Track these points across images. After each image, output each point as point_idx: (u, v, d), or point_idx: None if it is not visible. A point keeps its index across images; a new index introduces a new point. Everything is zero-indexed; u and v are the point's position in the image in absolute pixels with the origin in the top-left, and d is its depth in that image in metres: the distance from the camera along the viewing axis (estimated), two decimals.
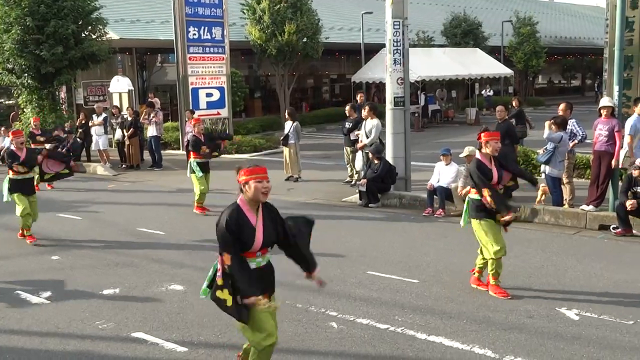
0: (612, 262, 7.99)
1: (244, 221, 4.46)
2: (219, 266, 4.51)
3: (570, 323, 6.05)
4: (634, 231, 9.24)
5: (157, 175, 16.62)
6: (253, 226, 4.48)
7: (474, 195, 6.88)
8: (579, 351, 5.43)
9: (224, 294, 4.49)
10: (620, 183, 9.71)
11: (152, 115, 17.86)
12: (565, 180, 10.52)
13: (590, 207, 9.98)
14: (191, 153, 11.62)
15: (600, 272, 7.62)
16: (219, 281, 4.51)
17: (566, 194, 10.50)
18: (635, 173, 9.18)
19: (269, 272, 4.72)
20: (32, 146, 13.80)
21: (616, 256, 8.32)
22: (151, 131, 17.74)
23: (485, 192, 6.63)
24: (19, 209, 9.50)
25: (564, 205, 10.38)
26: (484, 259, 6.98)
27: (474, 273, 7.18)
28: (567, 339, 5.69)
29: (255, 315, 4.46)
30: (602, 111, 9.96)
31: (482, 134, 6.91)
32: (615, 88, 9.79)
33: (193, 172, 11.43)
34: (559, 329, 5.90)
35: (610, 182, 9.95)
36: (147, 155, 18.20)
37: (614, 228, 9.42)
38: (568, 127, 10.57)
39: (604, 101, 10.04)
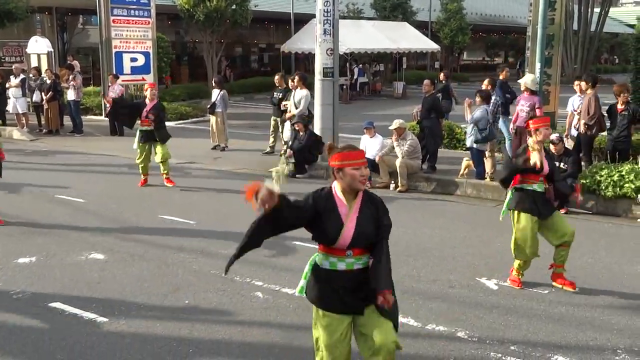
0: None
1: (332, 208, 3.74)
2: None
3: (489, 292, 6.25)
4: None
5: (78, 141, 16.03)
6: (341, 217, 3.73)
7: (517, 184, 6.29)
8: (497, 319, 5.61)
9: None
10: None
11: (70, 78, 17.15)
12: (487, 154, 10.79)
13: None
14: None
15: None
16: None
17: (488, 168, 10.78)
18: (552, 148, 9.51)
19: (361, 280, 3.78)
20: None
21: None
22: (70, 95, 17.06)
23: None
24: None
25: (486, 178, 10.67)
26: (561, 247, 6.29)
27: (555, 269, 6.41)
28: (486, 307, 5.87)
29: (327, 330, 3.82)
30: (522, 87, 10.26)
31: (531, 122, 6.30)
32: (537, 65, 10.09)
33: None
34: (479, 298, 6.08)
35: None
36: (67, 120, 17.51)
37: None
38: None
39: (528, 81, 10.27)
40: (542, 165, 6.10)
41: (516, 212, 6.24)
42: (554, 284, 6.36)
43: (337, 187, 3.83)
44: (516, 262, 6.41)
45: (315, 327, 3.94)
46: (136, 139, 10.76)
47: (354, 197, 3.80)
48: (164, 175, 10.77)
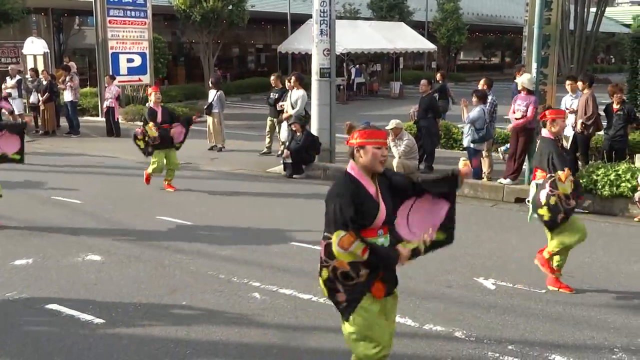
0: (527, 233, 8.28)
1: (363, 192, 3.73)
2: (322, 255, 3.77)
3: (487, 292, 6.25)
4: None
5: (74, 142, 16.02)
6: (374, 198, 3.75)
7: (542, 180, 6.18)
8: (494, 319, 5.61)
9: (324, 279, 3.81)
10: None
11: (67, 79, 17.13)
12: (484, 153, 10.81)
13: (508, 180, 10.30)
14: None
15: (516, 243, 7.90)
16: (325, 273, 3.77)
17: (485, 167, 10.80)
18: None
19: None
20: None
21: (531, 228, 8.62)
22: (67, 96, 17.04)
23: (566, 173, 5.93)
24: None
25: (483, 178, 10.68)
26: (560, 254, 6.25)
27: (553, 274, 6.33)
28: (484, 307, 5.87)
29: (370, 322, 3.84)
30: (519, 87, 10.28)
31: (547, 112, 6.25)
32: (534, 65, 10.08)
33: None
34: (476, 298, 6.08)
35: (526, 156, 10.29)
36: (63, 121, 17.49)
37: (528, 201, 9.76)
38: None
39: (525, 80, 10.26)
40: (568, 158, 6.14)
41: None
42: (550, 287, 6.33)
43: (355, 171, 3.79)
44: (555, 261, 6.25)
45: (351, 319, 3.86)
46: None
47: (371, 176, 3.82)
48: (166, 181, 10.58)
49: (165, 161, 10.33)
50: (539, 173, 6.26)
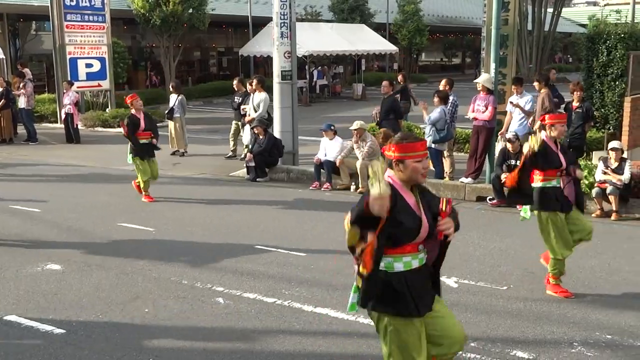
0: (488, 231, 8.40)
1: (403, 203, 3.48)
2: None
3: (449, 290, 6.30)
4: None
5: (32, 149, 15.70)
6: (413, 209, 3.52)
7: (538, 183, 6.13)
8: (457, 317, 5.62)
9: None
10: (496, 156, 10.21)
11: (21, 85, 16.78)
12: (446, 153, 10.92)
13: (469, 179, 10.43)
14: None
15: (478, 241, 8.00)
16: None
17: (447, 167, 10.91)
18: (509, 147, 9.68)
19: (429, 272, 3.75)
20: None
21: (492, 226, 8.75)
22: (21, 103, 16.69)
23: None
24: None
25: (445, 177, 10.79)
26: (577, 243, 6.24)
27: (551, 280, 6.26)
28: (446, 305, 5.90)
29: (404, 339, 3.59)
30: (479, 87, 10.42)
31: (547, 117, 6.22)
32: (492, 66, 10.23)
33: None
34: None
35: (487, 155, 10.43)
36: (22, 128, 17.12)
37: (490, 199, 9.91)
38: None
39: (485, 80, 10.39)
40: (561, 160, 6.10)
41: (543, 212, 6.10)
42: (549, 292, 6.24)
43: (394, 181, 3.55)
44: (550, 269, 6.22)
45: (388, 339, 3.64)
46: (130, 153, 10.05)
47: (410, 187, 3.60)
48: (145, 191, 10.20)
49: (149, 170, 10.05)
50: (537, 176, 6.18)
